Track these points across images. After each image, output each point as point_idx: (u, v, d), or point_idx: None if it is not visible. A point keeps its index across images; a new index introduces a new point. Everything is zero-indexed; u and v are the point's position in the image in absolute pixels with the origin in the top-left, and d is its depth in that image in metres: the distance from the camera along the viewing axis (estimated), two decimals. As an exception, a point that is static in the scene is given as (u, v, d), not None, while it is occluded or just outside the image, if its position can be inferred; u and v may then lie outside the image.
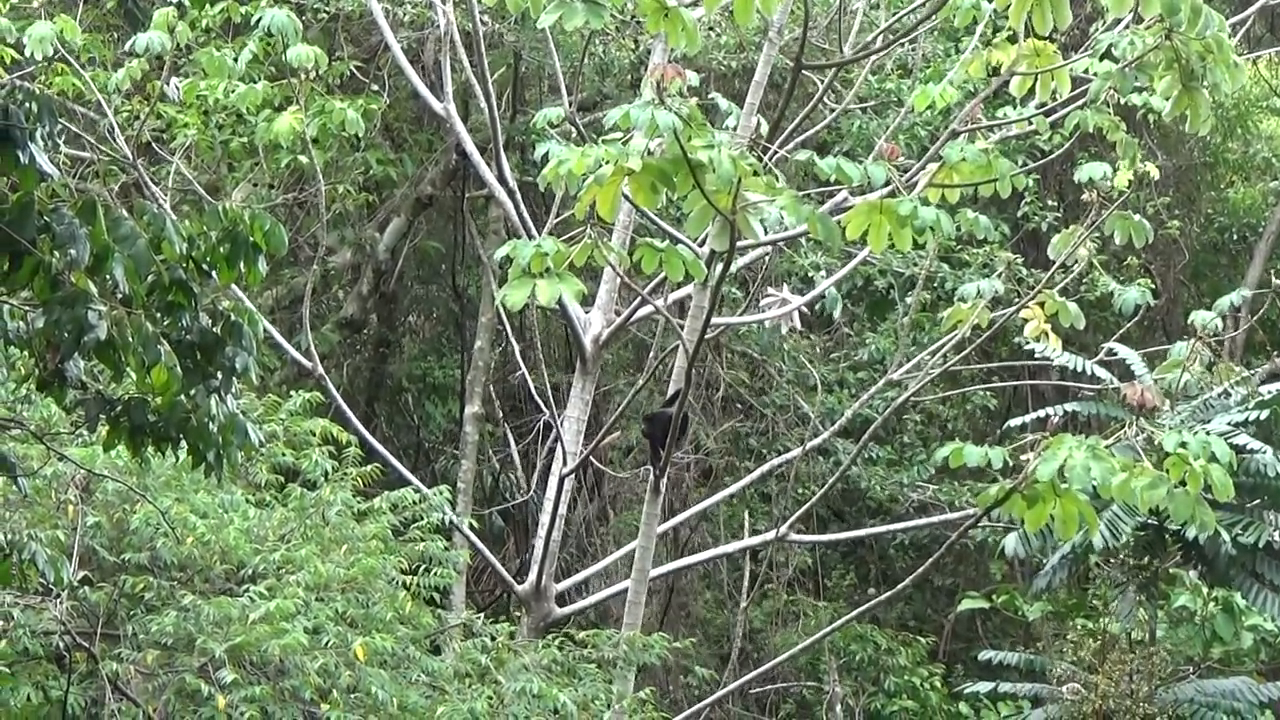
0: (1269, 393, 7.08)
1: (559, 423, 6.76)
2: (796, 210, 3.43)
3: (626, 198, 3.51)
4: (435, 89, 7.29)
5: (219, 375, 3.36)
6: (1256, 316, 8.12)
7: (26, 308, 3.29)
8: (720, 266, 4.13)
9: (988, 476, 6.86)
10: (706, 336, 5.27)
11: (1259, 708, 7.19)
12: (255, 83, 6.32)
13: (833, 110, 7.22)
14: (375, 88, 8.76)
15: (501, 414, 10.30)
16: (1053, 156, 7.23)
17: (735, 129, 5.78)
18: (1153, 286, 6.56)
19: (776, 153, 4.56)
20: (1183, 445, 3.50)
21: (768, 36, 6.09)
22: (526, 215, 6.59)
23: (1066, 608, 8.73)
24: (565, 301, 6.24)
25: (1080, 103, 5.11)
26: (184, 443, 3.44)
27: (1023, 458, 3.73)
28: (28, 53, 5.64)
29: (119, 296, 3.16)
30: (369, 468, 6.11)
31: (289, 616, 5.04)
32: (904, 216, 3.66)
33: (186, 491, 5.54)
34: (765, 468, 7.47)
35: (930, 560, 4.91)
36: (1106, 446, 3.63)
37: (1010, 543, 6.95)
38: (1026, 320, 5.68)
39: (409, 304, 11.27)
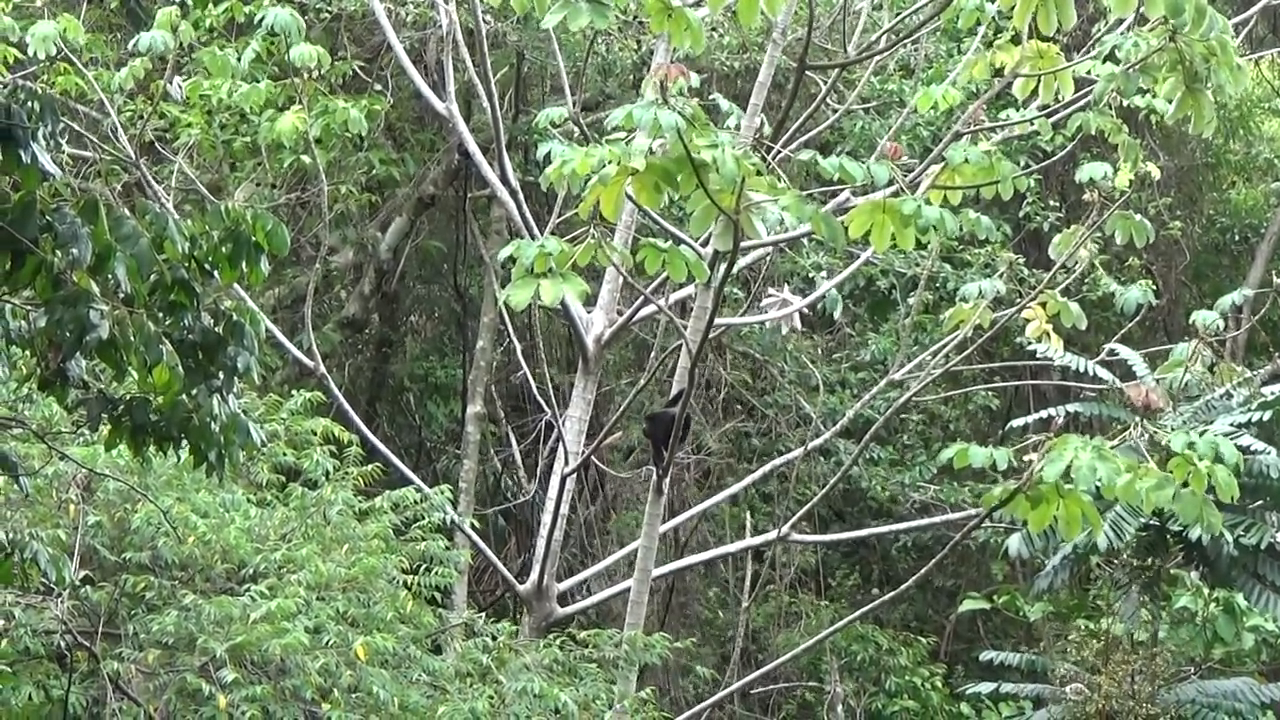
0: (1271, 394, 7.06)
1: (561, 422, 6.75)
2: (800, 210, 3.42)
3: (629, 198, 3.50)
4: (438, 89, 7.27)
5: (221, 375, 3.35)
6: (1258, 317, 8.11)
7: (28, 307, 3.28)
8: (723, 266, 4.11)
9: (989, 477, 6.84)
10: (708, 337, 5.25)
11: (1260, 708, 7.17)
12: (258, 82, 6.31)
13: (835, 111, 7.20)
14: (378, 87, 8.75)
15: (503, 414, 10.28)
16: (1055, 158, 7.21)
17: (736, 128, 5.76)
18: (1154, 287, 6.54)
19: (780, 152, 4.54)
20: (1190, 446, 3.49)
21: (771, 37, 6.07)
22: (529, 215, 6.57)
23: (1068, 608, 8.70)
24: (568, 301, 6.22)
25: (1083, 103, 5.09)
26: (185, 442, 3.43)
27: (1027, 458, 3.72)
28: (30, 52, 5.64)
29: (121, 296, 3.14)
30: (370, 467, 6.10)
31: (290, 616, 5.03)
32: (908, 216, 3.65)
33: (188, 491, 5.53)
34: (767, 468, 7.45)
35: (933, 561, 4.90)
36: (1112, 448, 3.61)
37: (1014, 543, 6.94)
38: (1028, 320, 5.67)
39: (411, 304, 11.25)
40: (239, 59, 6.18)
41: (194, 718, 4.89)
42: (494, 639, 5.75)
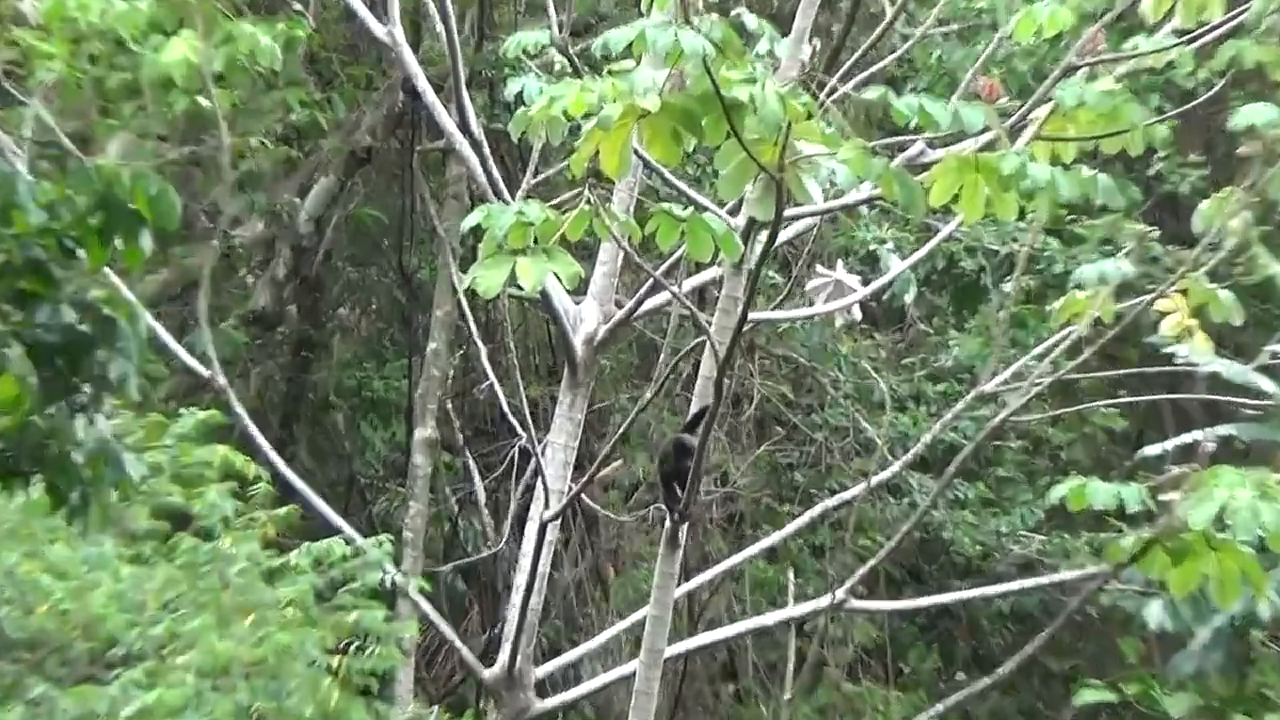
0: None
1: (540, 451, 6.75)
2: (865, 166, 3.40)
3: (637, 151, 3.48)
4: (376, 9, 7.30)
5: (87, 388, 3.35)
6: None
7: None
8: (761, 241, 4.10)
9: (1114, 524, 6.81)
10: (740, 335, 5.25)
11: None
12: (140, 1, 6.33)
13: (906, 38, 7.22)
14: (297, 7, 8.79)
15: (463, 439, 10.31)
16: (1199, 101, 7.22)
17: (771, 56, 5.75)
18: (1333, 269, 6.54)
19: (835, 90, 4.54)
20: (1392, 484, 3.48)
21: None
22: (496, 174, 6.58)
23: (1222, 700, 8.69)
24: (551, 289, 6.22)
25: (1235, 23, 5.09)
26: (39, 478, 3.42)
27: (1165, 498, 3.72)
28: None
29: (-46, 282, 3.15)
30: (284, 510, 6.12)
31: (175, 712, 5.05)
32: (1008, 177, 3.63)
33: (39, 544, 5.54)
34: (815, 511, 7.43)
35: (1040, 637, 4.91)
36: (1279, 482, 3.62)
37: (1154, 613, 6.92)
38: (1164, 314, 5.66)
39: (340, 292, 11.31)
40: (113, -32, 6.21)
41: None
42: (450, 742, 5.76)
